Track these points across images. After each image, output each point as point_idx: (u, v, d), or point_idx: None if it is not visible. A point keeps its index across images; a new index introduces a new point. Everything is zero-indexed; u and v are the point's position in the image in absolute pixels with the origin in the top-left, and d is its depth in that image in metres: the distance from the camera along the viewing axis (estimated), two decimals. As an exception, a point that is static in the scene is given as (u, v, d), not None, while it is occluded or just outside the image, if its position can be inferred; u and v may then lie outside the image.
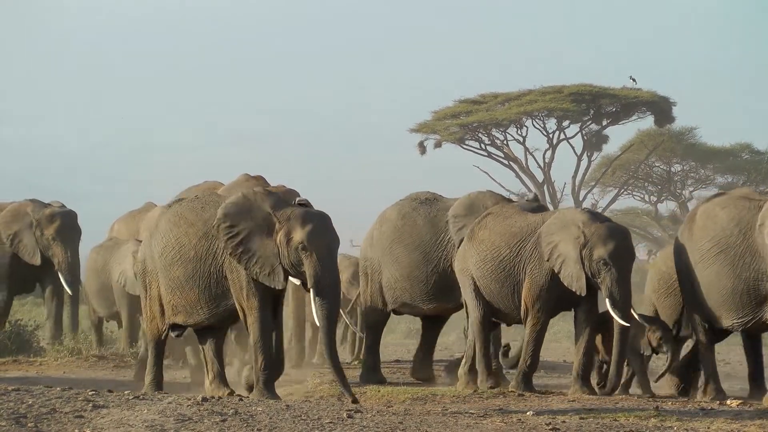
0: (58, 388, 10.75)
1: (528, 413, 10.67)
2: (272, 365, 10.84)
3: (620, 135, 40.54)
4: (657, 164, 41.67)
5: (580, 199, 39.14)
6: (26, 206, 17.68)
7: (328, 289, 10.57)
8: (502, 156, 39.27)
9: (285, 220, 10.63)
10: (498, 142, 39.15)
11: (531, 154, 39.05)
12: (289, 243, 10.57)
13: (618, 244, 11.76)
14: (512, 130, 38.89)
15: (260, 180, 15.04)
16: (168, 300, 11.10)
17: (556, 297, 12.04)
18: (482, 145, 39.25)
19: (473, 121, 38.77)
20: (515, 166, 39.20)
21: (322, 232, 10.58)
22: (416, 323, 18.30)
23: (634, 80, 38.68)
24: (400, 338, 20.38)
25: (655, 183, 41.76)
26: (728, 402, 11.81)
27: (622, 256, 11.77)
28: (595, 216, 12.13)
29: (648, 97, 38.43)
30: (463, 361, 12.93)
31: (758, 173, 40.50)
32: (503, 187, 38.96)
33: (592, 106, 38.43)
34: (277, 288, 10.72)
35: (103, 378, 14.05)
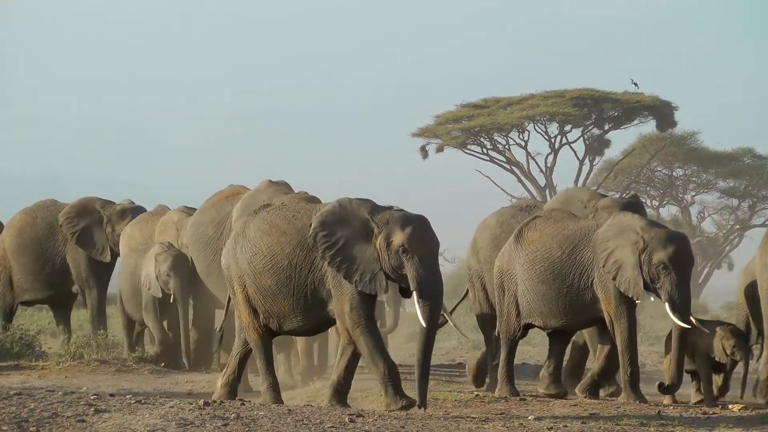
0: (60, 393, 10.75)
1: (529, 418, 10.67)
2: (394, 371, 10.65)
3: (622, 139, 40.54)
4: (659, 169, 41.64)
5: (582, 203, 39.13)
6: (94, 202, 17.47)
7: (431, 290, 10.45)
8: (504, 160, 39.25)
9: (384, 224, 10.54)
10: (500, 146, 39.13)
11: (533, 158, 39.04)
12: (390, 246, 10.48)
13: (678, 248, 11.76)
14: (514, 134, 38.87)
15: (283, 185, 15.01)
16: (260, 306, 10.98)
17: (631, 299, 11.93)
18: (484, 150, 39.23)
19: (475, 126, 38.75)
20: (517, 171, 39.18)
21: (422, 234, 10.49)
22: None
23: (636, 84, 38.68)
24: (402, 342, 20.36)
25: (657, 187, 41.73)
26: (730, 407, 11.81)
27: (682, 261, 11.77)
28: (651, 221, 12.13)
29: (650, 102, 38.40)
30: (546, 363, 12.82)
31: (760, 178, 40.47)
32: (505, 191, 39.01)
33: (594, 110, 38.41)
34: (379, 294, 10.62)
35: (105, 382, 14.04)
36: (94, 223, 17.28)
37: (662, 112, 38.67)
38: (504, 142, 39.07)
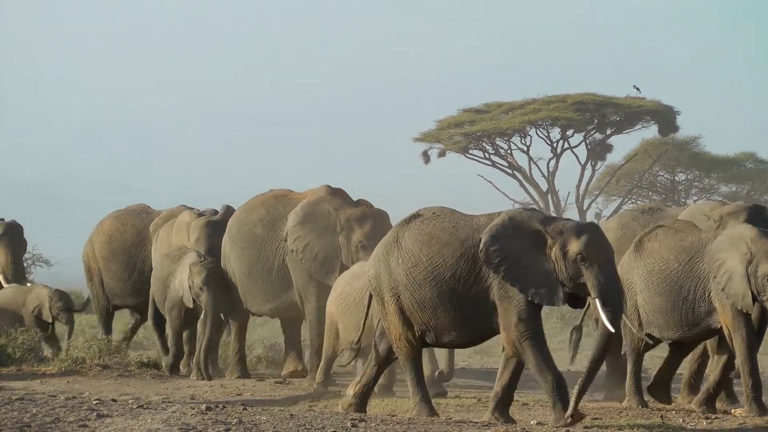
0: (63, 398, 10.75)
1: (532, 422, 10.67)
2: (563, 384, 10.44)
3: (624, 144, 40.53)
4: (661, 173, 41.65)
5: (584, 208, 39.12)
6: (180, 212, 17.27)
7: (614, 296, 10.31)
8: (506, 165, 39.26)
9: (557, 234, 10.37)
10: (502, 151, 39.14)
11: (535, 163, 39.06)
12: (566, 256, 10.30)
13: None
14: (516, 139, 38.88)
15: (342, 192, 14.95)
16: (416, 318, 10.77)
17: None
18: (486, 155, 39.24)
19: (477, 131, 38.75)
20: (519, 176, 39.19)
21: (599, 241, 10.35)
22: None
23: (638, 89, 38.70)
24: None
25: (659, 192, 41.74)
26: (733, 411, 11.79)
27: None
28: (764, 233, 11.77)
29: (652, 107, 38.42)
30: (658, 370, 12.62)
31: (762, 182, 40.49)
32: (507, 196, 39.00)
33: (596, 115, 38.42)
34: (557, 305, 10.49)
35: (107, 387, 14.03)
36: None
37: (664, 117, 38.68)
38: (506, 147, 39.09)
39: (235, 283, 15.37)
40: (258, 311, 15.53)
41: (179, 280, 15.30)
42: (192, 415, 9.62)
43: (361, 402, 11.26)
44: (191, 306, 15.17)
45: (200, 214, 16.35)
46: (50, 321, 17.51)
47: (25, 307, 17.70)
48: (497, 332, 10.64)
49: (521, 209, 10.79)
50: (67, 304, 17.54)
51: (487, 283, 10.50)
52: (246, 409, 10.34)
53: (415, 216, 10.98)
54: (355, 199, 15.04)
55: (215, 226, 16.00)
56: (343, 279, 13.56)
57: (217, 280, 15.17)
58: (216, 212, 16.44)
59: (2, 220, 19.10)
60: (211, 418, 9.46)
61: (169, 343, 15.71)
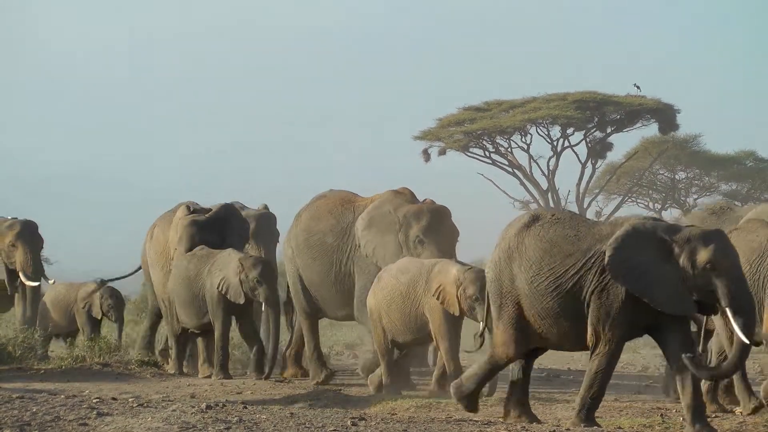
0: (63, 396, 10.76)
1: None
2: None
3: (624, 142, 40.55)
4: (661, 172, 41.67)
5: (585, 206, 39.14)
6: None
7: (746, 303, 10.14)
8: (507, 163, 39.27)
9: (684, 242, 10.22)
10: (502, 149, 39.15)
11: (535, 161, 39.08)
12: (695, 265, 10.15)
13: None
14: (516, 137, 38.90)
15: (405, 193, 14.91)
16: (535, 326, 10.58)
17: None
18: (486, 153, 39.25)
19: (477, 129, 38.76)
20: (519, 174, 39.21)
21: (726, 249, 10.22)
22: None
23: (638, 87, 38.71)
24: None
25: (659, 190, 41.75)
26: (735, 410, 11.79)
27: None
28: None
29: (652, 105, 38.43)
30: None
31: (762, 180, 40.51)
32: (507, 194, 39.01)
33: (596, 113, 38.43)
34: (688, 314, 10.36)
35: (107, 385, 14.03)
36: None
37: (664, 115, 38.69)
38: (506, 145, 39.11)
39: (304, 287, 15.25)
40: (333, 316, 15.54)
41: (221, 277, 14.99)
42: (192, 413, 9.63)
43: (472, 397, 11.05)
44: (242, 302, 14.92)
45: (194, 212, 16.26)
46: (99, 317, 17.53)
47: (76, 303, 17.74)
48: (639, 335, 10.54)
49: (644, 219, 10.64)
50: (116, 301, 17.53)
51: (591, 295, 10.36)
52: (246, 408, 10.34)
53: (535, 219, 10.78)
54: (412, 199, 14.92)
55: (199, 225, 15.92)
56: (388, 272, 13.51)
57: (273, 273, 15.10)
58: (208, 210, 16.36)
59: (15, 218, 19.08)
60: (211, 417, 9.47)
61: (218, 344, 15.16)
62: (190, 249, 15.71)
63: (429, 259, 13.65)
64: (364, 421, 9.77)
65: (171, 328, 15.95)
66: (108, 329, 18.65)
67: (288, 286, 15.78)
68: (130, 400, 10.66)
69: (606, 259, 10.22)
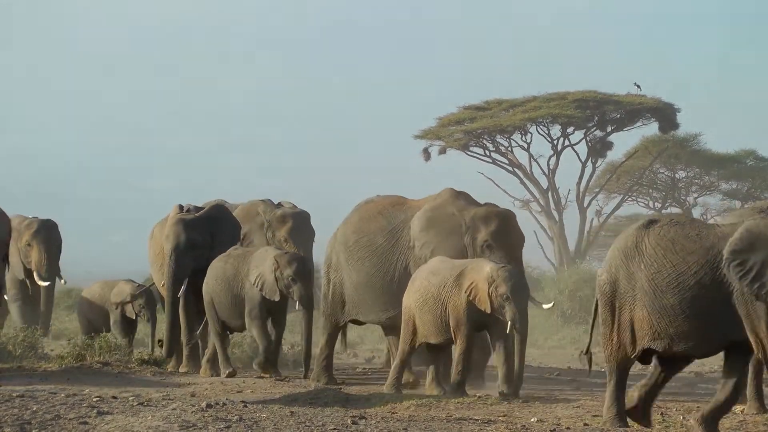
0: (63, 395, 10.76)
1: (532, 420, 10.67)
2: None
3: (625, 141, 40.46)
4: (661, 171, 41.63)
5: (585, 205, 39.13)
6: (257, 206, 17.33)
7: None
8: (507, 162, 39.24)
9: None
10: (502, 148, 39.12)
11: (535, 160, 39.04)
12: None
13: None
14: (517, 136, 38.85)
15: (465, 195, 14.81)
16: (651, 325, 10.51)
17: None
18: (486, 152, 39.22)
19: (477, 128, 38.74)
20: (520, 173, 39.19)
21: None
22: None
23: (638, 87, 38.68)
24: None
25: (659, 189, 41.72)
26: (737, 408, 11.78)
27: None
28: None
29: (652, 104, 38.40)
30: None
31: (762, 179, 40.47)
32: (507, 193, 38.99)
33: (596, 112, 38.40)
34: None
35: (107, 384, 14.03)
36: (256, 228, 17.21)
37: (665, 114, 38.66)
38: (506, 144, 39.07)
39: (342, 292, 15.10)
40: (374, 320, 15.25)
41: (257, 274, 14.86)
42: (192, 412, 9.64)
43: (620, 418, 10.74)
44: (277, 299, 14.75)
45: (187, 212, 16.25)
46: (133, 317, 17.51)
47: (110, 303, 17.73)
48: (732, 342, 10.37)
49: (760, 218, 10.57)
50: (149, 301, 17.52)
51: (728, 291, 10.29)
52: (246, 407, 10.35)
53: (653, 221, 10.76)
54: (480, 200, 14.84)
55: (186, 224, 15.92)
56: (421, 273, 13.46)
57: (309, 271, 14.95)
58: (199, 209, 16.35)
59: (35, 218, 19.07)
60: (211, 416, 9.47)
61: (262, 344, 14.96)
62: (176, 247, 15.73)
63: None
64: (364, 420, 9.78)
65: (213, 329, 15.58)
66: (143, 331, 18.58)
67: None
68: (130, 398, 10.67)
69: (723, 262, 10.19)
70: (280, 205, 17.61)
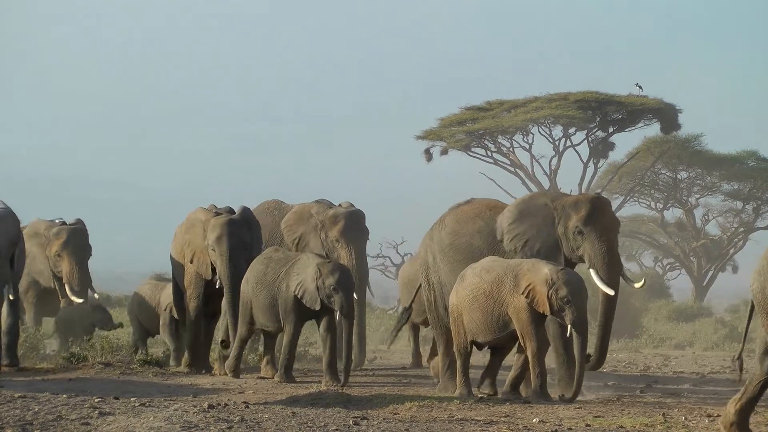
0: (65, 396, 10.76)
1: (534, 420, 10.67)
2: None
3: (626, 142, 40.46)
4: (663, 171, 41.62)
5: (587, 206, 39.11)
6: (311, 207, 17.23)
7: None
8: (509, 163, 39.25)
9: None
10: (504, 149, 39.13)
11: (537, 161, 39.03)
12: None
13: None
14: (518, 137, 38.86)
15: (555, 189, 14.70)
16: None
17: None
18: (488, 153, 39.22)
19: (479, 129, 38.74)
20: (521, 174, 39.18)
21: None
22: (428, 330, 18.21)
23: (640, 87, 38.66)
24: (405, 344, 20.34)
25: (661, 190, 41.72)
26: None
27: None
28: None
29: (654, 105, 38.39)
30: None
31: (764, 180, 40.44)
32: (509, 194, 38.99)
33: (598, 113, 38.40)
34: None
35: (109, 385, 14.03)
36: (310, 230, 17.12)
37: (666, 115, 38.66)
38: (508, 145, 39.08)
39: (442, 293, 14.61)
40: None
41: (298, 281, 14.73)
42: (194, 413, 9.63)
43: (742, 420, 10.61)
44: (318, 308, 14.56)
45: (216, 213, 16.21)
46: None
47: (159, 305, 17.64)
48: None
49: None
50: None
51: None
52: (248, 407, 10.35)
53: None
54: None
55: (236, 224, 15.90)
56: (472, 270, 13.30)
57: (351, 280, 14.72)
58: (233, 211, 16.32)
59: (64, 222, 18.71)
60: (213, 416, 9.47)
61: (286, 350, 14.90)
62: (232, 247, 15.64)
63: (536, 259, 13.28)
64: (366, 421, 9.78)
65: (240, 330, 15.45)
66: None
67: (420, 296, 15.31)
68: (132, 399, 10.66)
69: None
70: (334, 205, 17.48)
